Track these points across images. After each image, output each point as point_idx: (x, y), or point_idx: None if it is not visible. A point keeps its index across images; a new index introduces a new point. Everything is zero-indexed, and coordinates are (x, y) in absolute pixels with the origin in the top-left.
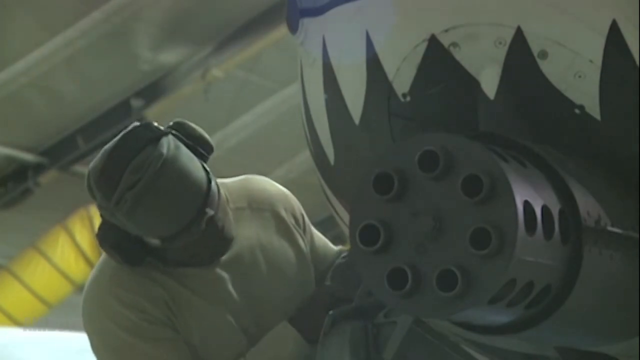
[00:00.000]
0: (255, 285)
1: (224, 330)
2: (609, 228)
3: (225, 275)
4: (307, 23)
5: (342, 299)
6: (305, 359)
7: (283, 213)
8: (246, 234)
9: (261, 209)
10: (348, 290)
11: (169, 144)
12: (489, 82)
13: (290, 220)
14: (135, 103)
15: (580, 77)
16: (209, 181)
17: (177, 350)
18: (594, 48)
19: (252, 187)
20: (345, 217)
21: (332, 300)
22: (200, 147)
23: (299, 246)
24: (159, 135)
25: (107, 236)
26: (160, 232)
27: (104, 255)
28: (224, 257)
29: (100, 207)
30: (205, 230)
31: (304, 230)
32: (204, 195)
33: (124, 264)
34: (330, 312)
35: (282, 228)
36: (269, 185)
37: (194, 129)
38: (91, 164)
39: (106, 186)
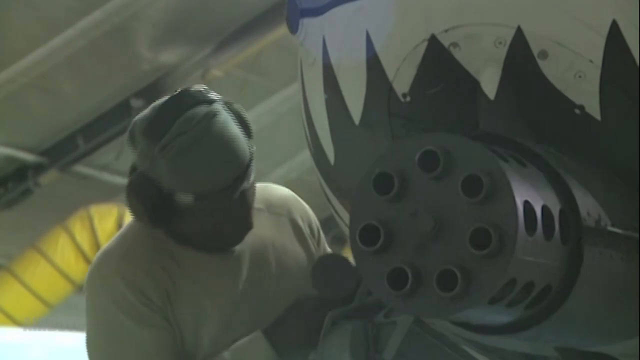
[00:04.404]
0: (262, 285)
1: (220, 327)
2: (609, 228)
3: (234, 268)
4: (307, 23)
5: (318, 310)
6: None
7: (300, 221)
8: (261, 233)
9: (278, 214)
10: (327, 293)
11: (222, 108)
12: (489, 82)
13: (305, 229)
14: (135, 103)
15: (580, 77)
16: (251, 158)
17: (163, 340)
18: (594, 48)
19: (271, 192)
20: (345, 217)
21: (309, 314)
22: (244, 128)
23: (311, 255)
24: (212, 99)
25: (137, 188)
26: (196, 187)
27: (125, 227)
28: (236, 249)
29: (141, 156)
30: (235, 201)
31: (318, 243)
32: (246, 165)
33: (146, 222)
34: (330, 312)
35: (297, 235)
36: (288, 194)
37: (242, 110)
38: (137, 117)
39: (155, 132)
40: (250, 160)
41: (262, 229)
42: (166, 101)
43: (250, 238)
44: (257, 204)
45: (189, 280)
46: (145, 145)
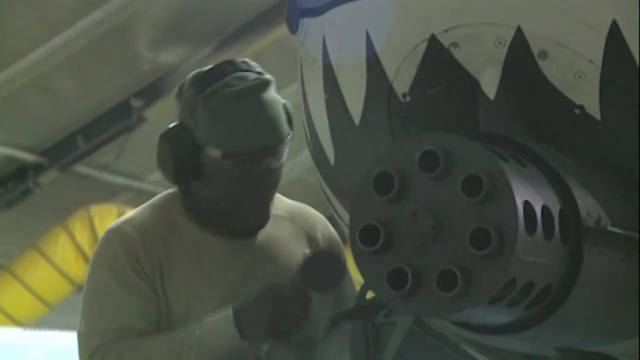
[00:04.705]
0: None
1: (212, 311)
2: (609, 228)
3: (239, 257)
4: (307, 23)
5: (291, 299)
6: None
7: (320, 237)
8: (275, 234)
9: (300, 227)
10: (311, 285)
11: (274, 88)
12: (489, 82)
13: (321, 242)
14: (135, 103)
15: (580, 77)
16: (287, 140)
17: (142, 307)
18: (594, 48)
19: (303, 209)
20: (345, 217)
21: (280, 302)
22: (287, 117)
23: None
24: (267, 77)
25: (170, 137)
26: (227, 143)
27: (146, 203)
28: (247, 241)
29: (184, 105)
30: (259, 173)
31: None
32: (281, 141)
33: (170, 175)
34: (330, 314)
35: (312, 248)
36: (320, 217)
37: (288, 104)
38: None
39: (204, 80)
40: (286, 141)
41: (277, 232)
42: (222, 62)
43: (262, 236)
44: (282, 212)
45: (187, 258)
46: (190, 94)
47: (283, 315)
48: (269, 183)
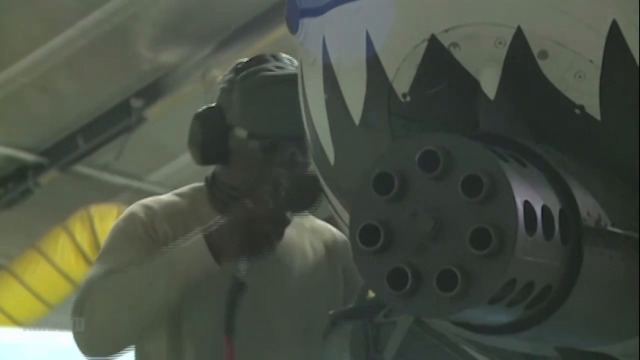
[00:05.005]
0: (274, 279)
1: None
2: (609, 228)
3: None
4: (307, 23)
5: (264, 216)
6: (210, 279)
7: (338, 255)
8: (295, 239)
9: (318, 239)
10: (282, 204)
11: None
12: (489, 82)
13: (339, 265)
14: (135, 103)
15: (580, 77)
16: None
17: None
18: (594, 48)
19: (327, 226)
20: (345, 217)
21: (252, 218)
22: None
23: (335, 284)
24: None
25: (203, 115)
26: (255, 124)
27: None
28: None
29: (224, 83)
30: (283, 162)
31: (348, 281)
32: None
33: (197, 154)
34: (331, 312)
35: (329, 258)
36: (343, 238)
37: None
38: None
39: (244, 65)
40: None
41: (297, 236)
42: (266, 53)
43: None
44: (305, 222)
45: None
46: (230, 77)
47: (255, 234)
48: (291, 173)
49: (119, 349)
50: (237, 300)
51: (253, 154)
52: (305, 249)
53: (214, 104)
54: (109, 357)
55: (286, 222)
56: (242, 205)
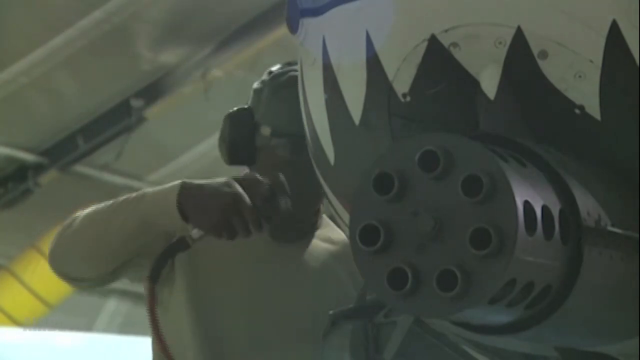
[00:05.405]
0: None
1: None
2: (609, 228)
3: (277, 261)
4: (307, 23)
5: (243, 202)
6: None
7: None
8: (318, 247)
9: (341, 248)
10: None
11: None
12: (489, 82)
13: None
14: (135, 103)
15: (580, 77)
16: None
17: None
18: (594, 48)
19: (338, 230)
20: (345, 217)
21: (238, 196)
22: None
23: (349, 284)
24: None
25: (234, 115)
26: (279, 122)
27: None
28: (293, 245)
29: (258, 83)
30: (304, 162)
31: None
32: None
33: (225, 153)
34: (331, 312)
35: (347, 267)
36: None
37: None
38: None
39: (281, 66)
40: None
41: (320, 244)
42: None
43: (307, 244)
44: (329, 233)
45: (224, 244)
46: (263, 78)
47: (232, 214)
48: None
49: (75, 272)
50: (171, 253)
51: (277, 152)
52: (322, 255)
53: (245, 109)
54: (66, 274)
55: (279, 209)
56: (234, 183)
